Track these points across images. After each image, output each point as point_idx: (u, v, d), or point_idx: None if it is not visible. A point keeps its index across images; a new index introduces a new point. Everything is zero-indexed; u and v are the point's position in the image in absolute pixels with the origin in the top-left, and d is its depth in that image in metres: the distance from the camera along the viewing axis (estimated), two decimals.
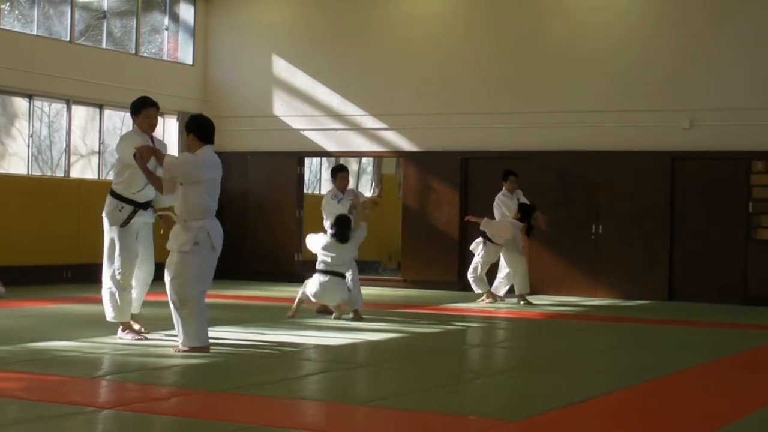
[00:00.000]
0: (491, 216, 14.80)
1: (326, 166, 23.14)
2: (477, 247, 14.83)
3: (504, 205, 14.79)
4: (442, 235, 17.55)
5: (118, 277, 9.55)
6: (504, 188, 14.89)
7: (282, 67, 18.83)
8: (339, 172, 12.97)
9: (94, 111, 17.50)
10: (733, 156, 15.91)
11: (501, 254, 14.73)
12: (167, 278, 8.98)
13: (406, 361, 9.28)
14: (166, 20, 19.10)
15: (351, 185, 13.51)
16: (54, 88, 16.71)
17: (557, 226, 16.25)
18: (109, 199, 9.65)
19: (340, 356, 9.36)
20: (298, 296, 12.15)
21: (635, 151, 16.40)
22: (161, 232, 9.72)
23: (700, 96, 16.13)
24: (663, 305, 15.44)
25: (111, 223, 9.60)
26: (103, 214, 9.69)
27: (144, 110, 9.67)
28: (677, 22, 16.41)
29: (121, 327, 9.71)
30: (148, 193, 9.63)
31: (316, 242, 12.28)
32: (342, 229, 11.99)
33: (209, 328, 9.28)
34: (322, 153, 19.13)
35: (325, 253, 12.02)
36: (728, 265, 15.90)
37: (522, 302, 14.64)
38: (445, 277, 17.41)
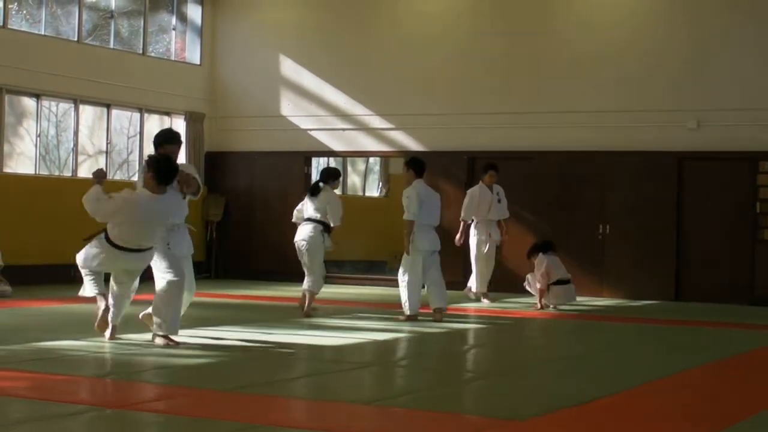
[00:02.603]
0: None
1: (333, 165, 23.13)
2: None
3: (470, 195, 15.17)
4: (448, 236, 17.52)
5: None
6: (481, 181, 15.18)
7: (289, 67, 18.85)
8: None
9: (102, 111, 17.52)
10: (740, 156, 15.89)
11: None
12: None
13: (410, 360, 9.29)
14: (174, 20, 19.13)
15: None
16: (61, 87, 16.75)
17: (563, 227, 16.26)
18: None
19: (345, 356, 9.38)
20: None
21: (642, 151, 16.39)
22: None
23: (706, 96, 16.11)
24: (669, 305, 15.42)
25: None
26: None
27: None
28: (684, 23, 16.39)
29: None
30: None
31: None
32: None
33: (216, 327, 9.32)
34: (329, 153, 19.14)
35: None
36: (735, 265, 15.88)
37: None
38: (449, 277, 17.34)
